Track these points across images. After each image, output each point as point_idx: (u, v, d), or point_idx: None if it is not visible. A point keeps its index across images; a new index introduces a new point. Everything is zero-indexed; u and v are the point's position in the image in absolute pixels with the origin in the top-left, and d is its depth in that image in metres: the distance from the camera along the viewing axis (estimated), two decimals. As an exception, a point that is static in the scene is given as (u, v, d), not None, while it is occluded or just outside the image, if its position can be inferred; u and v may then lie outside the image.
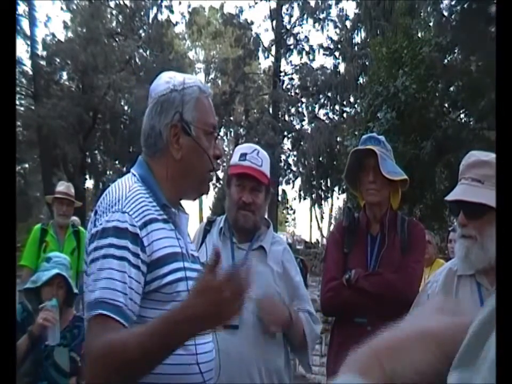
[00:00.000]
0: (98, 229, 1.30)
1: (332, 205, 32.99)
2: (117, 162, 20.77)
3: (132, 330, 1.22)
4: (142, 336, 1.16)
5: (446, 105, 11.83)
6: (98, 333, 1.20)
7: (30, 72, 19.34)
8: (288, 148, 23.14)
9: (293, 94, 22.72)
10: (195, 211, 33.21)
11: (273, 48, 22.88)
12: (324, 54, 22.71)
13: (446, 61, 11.73)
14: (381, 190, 2.40)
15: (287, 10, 22.79)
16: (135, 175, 1.43)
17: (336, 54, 22.27)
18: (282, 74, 22.81)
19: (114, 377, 1.17)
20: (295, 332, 2.20)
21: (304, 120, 23.01)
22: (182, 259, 1.35)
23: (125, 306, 1.23)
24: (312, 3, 22.20)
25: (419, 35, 11.53)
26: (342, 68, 22.07)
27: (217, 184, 28.16)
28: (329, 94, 21.85)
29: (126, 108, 20.22)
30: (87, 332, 1.26)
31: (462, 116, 12.29)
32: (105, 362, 1.16)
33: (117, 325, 1.21)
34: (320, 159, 21.38)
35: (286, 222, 36.93)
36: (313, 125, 22.27)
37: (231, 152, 23.98)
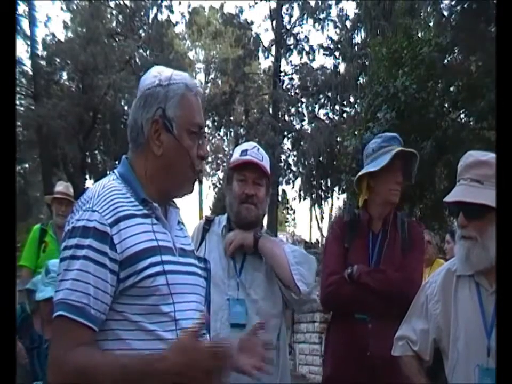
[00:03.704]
0: (69, 227, 1.31)
1: (332, 205, 32.94)
2: (117, 162, 20.72)
3: (107, 358, 1.24)
4: (115, 368, 1.20)
5: (446, 105, 11.81)
6: (60, 335, 1.24)
7: (30, 72, 19.31)
8: (288, 148, 23.11)
9: (293, 94, 22.68)
10: (195, 211, 33.20)
11: (273, 48, 22.84)
12: (324, 54, 22.67)
13: (446, 61, 11.72)
14: (400, 191, 2.44)
15: (287, 10, 22.74)
16: (115, 174, 1.43)
17: (336, 54, 22.22)
18: (282, 74, 22.78)
19: None
20: (270, 247, 2.20)
21: (304, 120, 22.97)
22: (159, 253, 1.33)
23: (88, 307, 1.23)
24: (312, 3, 22.16)
25: (419, 35, 11.51)
26: (342, 68, 22.05)
27: (217, 184, 28.18)
28: (329, 94, 21.80)
29: (126, 108, 20.17)
30: (53, 331, 1.30)
31: (462, 116, 12.27)
32: (77, 378, 1.20)
33: (79, 327, 1.23)
34: (320, 159, 21.34)
35: (286, 222, 36.90)
36: (313, 125, 22.23)
37: (231, 152, 23.99)
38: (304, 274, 2.16)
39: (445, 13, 12.05)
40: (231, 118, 23.73)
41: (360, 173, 2.44)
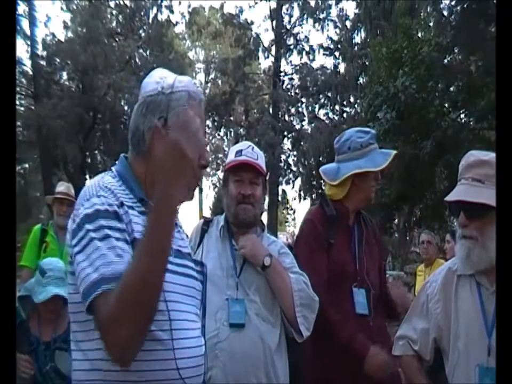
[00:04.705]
0: (78, 221, 1.27)
1: (332, 205, 32.81)
2: (117, 162, 20.64)
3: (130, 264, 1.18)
4: (138, 255, 1.15)
5: (446, 105, 11.82)
6: (104, 307, 1.13)
7: (30, 72, 19.31)
8: (288, 148, 23.10)
9: (293, 94, 22.67)
10: (195, 211, 33.19)
11: (273, 48, 22.83)
12: (324, 54, 22.65)
13: (446, 61, 11.73)
14: None
15: (287, 10, 22.73)
16: (112, 171, 1.43)
17: (336, 54, 22.21)
18: (282, 74, 22.77)
19: (141, 299, 1.12)
20: (277, 279, 2.14)
21: (304, 120, 22.96)
22: None
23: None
24: (312, 3, 22.15)
25: (419, 35, 11.53)
26: (342, 68, 22.04)
27: (217, 184, 28.15)
28: (329, 94, 21.80)
29: (126, 108, 20.18)
30: (95, 316, 1.17)
31: (462, 116, 12.29)
32: (125, 293, 1.12)
33: None
34: (320, 159, 21.31)
35: (286, 222, 36.86)
36: (313, 125, 22.22)
37: (231, 152, 23.86)
38: (307, 317, 2.14)
39: (445, 13, 12.07)
40: (231, 118, 23.71)
41: (359, 170, 2.40)
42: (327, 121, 22.12)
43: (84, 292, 1.18)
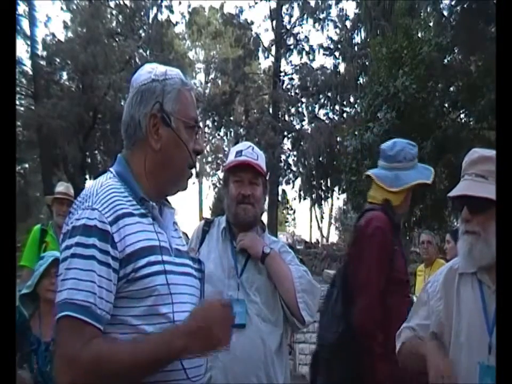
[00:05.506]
0: (68, 227, 1.29)
1: (332, 205, 33.07)
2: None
3: (122, 342, 1.24)
4: (134, 349, 1.21)
5: (446, 105, 11.82)
6: (68, 335, 1.20)
7: (30, 72, 19.34)
8: (288, 148, 23.12)
9: (293, 94, 22.69)
10: (195, 211, 33.17)
11: (273, 48, 22.86)
12: (324, 54, 22.68)
13: (446, 61, 11.73)
14: None
15: (287, 10, 22.76)
16: (111, 172, 1.42)
17: (336, 54, 22.23)
18: (282, 74, 22.79)
19: None
20: (277, 268, 2.17)
21: (304, 120, 22.98)
22: (160, 252, 1.32)
23: (94, 306, 1.22)
24: (312, 3, 22.17)
25: (419, 35, 11.52)
26: (342, 68, 22.07)
27: (217, 184, 28.15)
28: (329, 94, 21.81)
29: (126, 108, 20.17)
30: (57, 332, 1.25)
31: (462, 116, 12.29)
32: (94, 371, 1.17)
33: (87, 326, 1.21)
34: (320, 159, 21.36)
35: (286, 222, 36.89)
36: (313, 125, 22.24)
37: (231, 152, 23.84)
38: (309, 303, 2.15)
39: (445, 13, 12.07)
40: (231, 118, 23.71)
41: (425, 181, 2.44)
42: (327, 121, 22.14)
43: (56, 305, 1.25)
